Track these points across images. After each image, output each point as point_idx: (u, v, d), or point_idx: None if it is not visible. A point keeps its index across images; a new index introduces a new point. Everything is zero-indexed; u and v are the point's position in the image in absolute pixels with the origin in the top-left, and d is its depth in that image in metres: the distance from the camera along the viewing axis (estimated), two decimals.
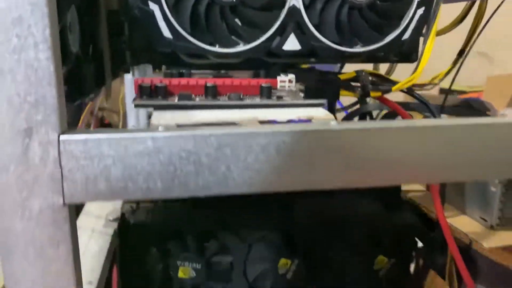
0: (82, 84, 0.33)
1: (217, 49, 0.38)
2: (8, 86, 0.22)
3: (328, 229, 0.43)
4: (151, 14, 0.36)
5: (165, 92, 0.30)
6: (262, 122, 0.27)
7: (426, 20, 0.40)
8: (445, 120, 0.29)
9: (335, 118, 0.30)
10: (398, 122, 0.27)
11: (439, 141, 0.27)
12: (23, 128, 0.23)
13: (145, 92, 0.30)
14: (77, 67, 0.31)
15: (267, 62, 0.41)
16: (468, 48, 0.53)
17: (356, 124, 0.27)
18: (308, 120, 0.27)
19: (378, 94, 0.34)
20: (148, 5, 0.35)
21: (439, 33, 0.58)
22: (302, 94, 0.32)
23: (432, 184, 0.37)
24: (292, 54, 0.39)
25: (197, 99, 0.30)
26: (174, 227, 0.42)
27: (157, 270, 0.42)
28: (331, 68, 0.55)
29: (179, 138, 0.24)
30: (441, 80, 0.52)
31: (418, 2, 0.39)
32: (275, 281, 0.43)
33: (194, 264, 0.42)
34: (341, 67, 0.58)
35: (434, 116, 0.42)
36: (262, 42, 0.38)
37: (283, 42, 0.39)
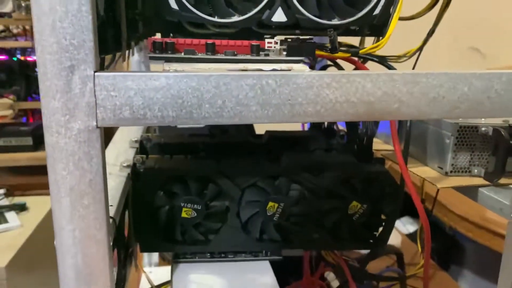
0: (104, 44, 0.40)
1: (215, 19, 0.45)
2: (57, 31, 0.29)
3: (309, 178, 0.50)
4: None
5: (174, 48, 0.37)
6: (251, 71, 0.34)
7: None
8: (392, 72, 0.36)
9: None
10: (352, 72, 0.34)
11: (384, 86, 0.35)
12: (68, 65, 0.30)
13: (158, 47, 0.37)
14: (102, 28, 0.37)
15: (259, 33, 0.48)
16: (435, 27, 0.61)
17: (323, 72, 0.34)
18: (288, 70, 0.35)
19: (347, 55, 0.41)
20: None
21: (415, 16, 0.65)
22: (285, 53, 0.39)
23: (392, 130, 0.45)
24: (279, 25, 0.46)
25: (200, 54, 0.38)
26: (178, 174, 0.49)
27: (163, 211, 0.49)
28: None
29: (186, 77, 0.31)
30: (413, 54, 0.59)
31: None
32: (264, 221, 0.50)
33: (195, 205, 0.49)
34: None
35: None
36: (254, 14, 0.45)
37: (271, 14, 0.46)
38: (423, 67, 0.50)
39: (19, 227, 1.32)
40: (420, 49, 0.60)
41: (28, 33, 1.59)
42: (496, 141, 0.45)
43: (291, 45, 0.38)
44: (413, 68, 0.62)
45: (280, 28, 0.46)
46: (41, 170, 1.70)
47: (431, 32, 0.62)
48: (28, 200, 1.48)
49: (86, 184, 0.32)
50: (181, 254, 0.54)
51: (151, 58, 0.36)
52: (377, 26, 0.49)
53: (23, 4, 1.46)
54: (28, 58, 1.70)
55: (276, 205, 0.50)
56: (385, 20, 0.48)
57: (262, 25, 0.46)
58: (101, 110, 0.31)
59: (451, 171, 0.47)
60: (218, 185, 0.49)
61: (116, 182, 0.46)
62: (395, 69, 0.49)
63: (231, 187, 0.49)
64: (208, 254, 0.54)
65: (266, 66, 0.36)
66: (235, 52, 0.38)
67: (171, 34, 0.49)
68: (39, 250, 1.36)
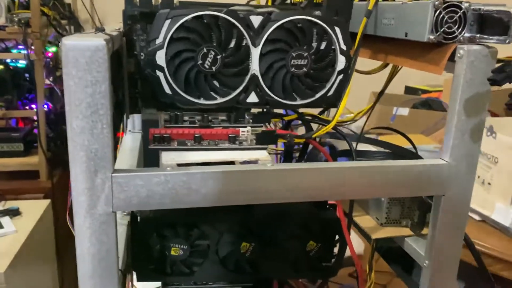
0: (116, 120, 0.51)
1: (202, 101, 0.57)
2: (87, 145, 0.40)
3: (275, 222, 0.62)
4: (157, 77, 0.53)
5: (169, 139, 0.49)
6: (225, 162, 0.46)
7: (345, 83, 0.59)
8: (337, 163, 0.48)
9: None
10: (302, 164, 0.46)
11: (333, 176, 0.47)
12: (93, 170, 0.41)
13: (156, 139, 0.48)
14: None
15: (236, 108, 0.59)
16: (385, 89, 0.73)
17: (281, 165, 0.46)
18: (255, 161, 0.46)
19: (302, 140, 0.53)
20: (155, 72, 0.53)
21: (371, 72, 0.77)
22: (254, 141, 0.50)
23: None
24: (253, 104, 0.58)
25: (189, 143, 0.49)
26: (169, 220, 0.60)
27: (156, 249, 0.61)
28: None
29: (179, 174, 0.43)
30: (361, 116, 0.71)
31: (338, 71, 0.58)
32: (239, 257, 0.63)
33: (182, 245, 0.61)
34: None
35: (350, 147, 0.61)
36: (233, 97, 0.57)
37: (246, 96, 0.57)
38: None
39: (14, 233, 1.40)
40: (372, 107, 0.73)
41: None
42: (419, 200, 0.58)
43: (259, 136, 0.50)
44: (366, 121, 0.75)
45: (253, 105, 0.58)
46: (31, 175, 1.78)
47: (381, 93, 0.74)
48: (21, 204, 1.56)
49: (104, 252, 0.43)
50: (174, 283, 0.66)
51: (152, 149, 0.47)
52: (331, 103, 0.61)
53: (15, 19, 1.53)
54: (19, 65, 1.77)
55: (248, 244, 0.62)
56: (337, 97, 0.60)
57: (239, 104, 0.57)
58: (116, 200, 0.42)
59: (385, 223, 0.60)
60: (201, 229, 0.61)
61: (119, 231, 0.57)
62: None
63: (212, 231, 0.61)
64: (192, 282, 0.66)
65: (239, 155, 0.48)
66: (216, 142, 0.49)
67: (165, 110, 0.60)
68: (35, 254, 1.46)
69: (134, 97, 0.58)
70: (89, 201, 0.41)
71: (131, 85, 0.58)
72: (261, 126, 0.59)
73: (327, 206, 0.66)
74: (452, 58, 0.47)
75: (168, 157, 0.46)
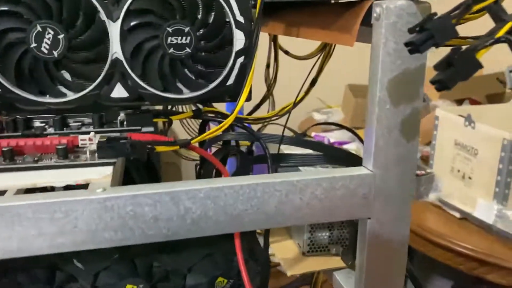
0: None
1: (47, 99, 0.41)
2: None
3: (167, 258, 0.47)
4: None
5: None
6: (37, 189, 0.31)
7: (247, 67, 0.44)
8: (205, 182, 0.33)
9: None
10: (153, 186, 0.31)
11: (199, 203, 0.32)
12: None
13: None
14: None
15: (104, 105, 0.44)
16: (318, 76, 0.58)
17: (120, 189, 0.31)
18: (84, 185, 0.31)
19: (176, 147, 0.38)
20: None
21: (307, 57, 0.63)
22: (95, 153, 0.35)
23: None
24: (121, 100, 0.42)
25: None
26: (24, 264, 0.45)
27: None
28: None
29: None
30: (293, 108, 0.56)
31: (236, 52, 0.43)
32: None
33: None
34: None
35: (264, 150, 0.46)
36: (90, 91, 0.41)
37: (110, 90, 0.42)
38: None
39: None
40: (295, 103, 0.58)
41: None
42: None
43: (101, 147, 0.35)
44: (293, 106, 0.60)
45: (122, 101, 0.43)
46: None
47: (313, 82, 0.60)
48: None
49: None
50: None
51: None
52: (234, 94, 0.46)
53: None
54: None
55: (135, 287, 0.47)
56: (240, 86, 0.45)
57: (102, 101, 0.42)
58: None
59: (308, 251, 0.45)
60: (66, 272, 0.46)
61: None
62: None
63: (81, 274, 0.46)
64: None
65: (66, 175, 0.33)
66: (37, 156, 0.34)
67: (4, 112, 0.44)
68: None
69: None
70: None
71: None
72: (139, 130, 0.44)
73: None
74: (368, 22, 0.32)
75: None
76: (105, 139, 0.35)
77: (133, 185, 0.32)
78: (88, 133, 0.38)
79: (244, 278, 0.41)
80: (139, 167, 0.58)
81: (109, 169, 0.34)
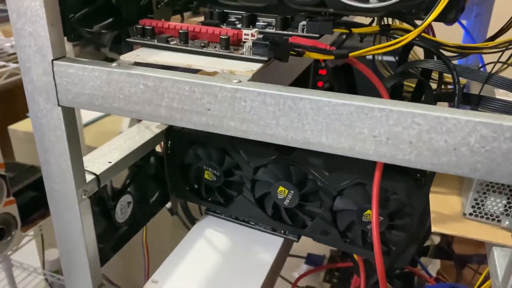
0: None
1: None
2: (27, 28, 0.35)
3: (319, 174, 0.47)
4: None
5: (152, 33, 0.39)
6: (192, 69, 0.34)
7: None
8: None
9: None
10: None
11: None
12: (33, 50, 0.36)
13: (138, 32, 0.39)
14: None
15: (288, 7, 0.44)
16: None
17: (249, 84, 0.31)
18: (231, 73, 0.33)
19: (331, 57, 0.34)
20: None
21: None
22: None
23: None
24: (303, 4, 0.42)
25: (173, 41, 0.38)
26: (200, 139, 0.52)
27: (189, 166, 0.55)
28: None
29: (119, 73, 0.34)
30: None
31: None
32: (276, 202, 0.50)
33: (214, 171, 0.53)
34: None
35: (455, 85, 0.38)
36: None
37: None
38: None
39: None
40: None
41: None
42: None
43: (257, 43, 0.35)
44: None
45: (307, 5, 0.41)
46: None
47: None
48: None
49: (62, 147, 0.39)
50: (213, 209, 0.59)
51: (127, 42, 0.39)
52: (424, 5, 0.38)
53: None
54: None
55: (287, 191, 0.49)
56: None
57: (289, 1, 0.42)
58: (60, 94, 0.37)
59: (470, 214, 0.36)
60: (233, 158, 0.51)
61: (142, 136, 0.52)
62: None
63: (244, 164, 0.50)
64: (234, 217, 0.58)
65: (220, 64, 0.35)
66: (203, 43, 0.37)
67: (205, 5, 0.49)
68: None
69: None
70: (34, 90, 0.37)
71: None
72: (317, 37, 0.43)
73: (418, 175, 0.46)
74: None
75: (134, 54, 0.37)
76: (258, 38, 0.36)
77: (268, 84, 0.32)
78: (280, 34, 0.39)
79: (373, 215, 0.37)
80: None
81: (257, 66, 0.35)
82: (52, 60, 0.36)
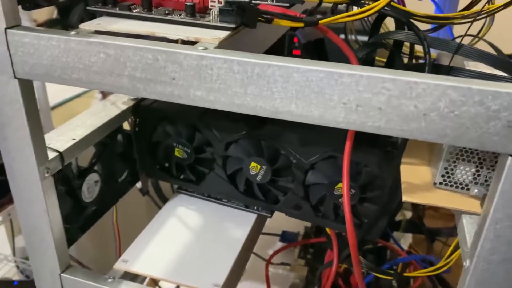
0: None
1: None
2: None
3: (290, 148, 0.46)
4: None
5: (114, 1, 0.37)
6: (156, 37, 0.33)
7: None
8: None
9: None
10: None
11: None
12: None
13: (100, 0, 0.37)
14: None
15: None
16: None
17: (215, 51, 0.30)
18: (194, 42, 0.32)
19: (300, 24, 0.33)
20: None
21: None
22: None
23: None
24: None
25: (136, 10, 0.37)
26: (173, 116, 0.51)
27: (158, 143, 0.53)
28: None
29: (77, 41, 0.32)
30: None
31: None
32: (248, 178, 0.50)
33: (185, 148, 0.51)
34: None
35: (425, 55, 0.38)
36: None
37: None
38: None
39: None
40: None
41: None
42: None
43: (223, 9, 0.34)
44: None
45: None
46: None
47: None
48: None
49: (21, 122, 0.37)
50: (184, 187, 0.58)
51: (88, 10, 0.37)
52: None
53: None
54: None
55: (259, 166, 0.49)
56: None
57: None
58: (16, 65, 0.34)
59: (440, 183, 0.37)
60: (204, 134, 0.50)
61: (107, 112, 0.50)
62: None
63: (215, 140, 0.49)
64: (206, 194, 0.57)
65: (184, 31, 0.34)
66: (167, 10, 0.36)
67: None
68: None
69: None
70: None
71: None
72: (287, 7, 0.42)
73: (389, 148, 0.46)
74: None
75: (94, 23, 0.35)
76: (224, 4, 0.34)
77: (235, 51, 0.30)
78: None
79: (344, 187, 0.37)
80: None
81: (224, 33, 0.33)
82: (6, 29, 0.33)
